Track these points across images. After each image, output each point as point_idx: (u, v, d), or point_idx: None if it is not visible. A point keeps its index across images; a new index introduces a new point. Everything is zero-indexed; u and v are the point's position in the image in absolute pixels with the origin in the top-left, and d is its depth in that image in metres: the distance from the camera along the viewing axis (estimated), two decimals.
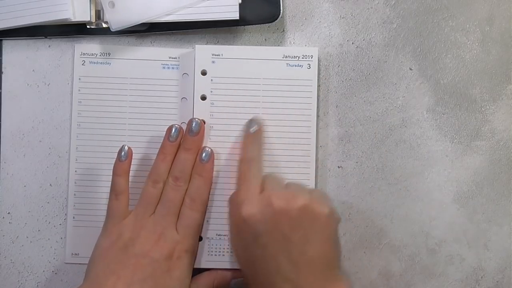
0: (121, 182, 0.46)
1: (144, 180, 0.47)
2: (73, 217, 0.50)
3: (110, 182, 0.47)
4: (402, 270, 0.51)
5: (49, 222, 0.50)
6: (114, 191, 0.46)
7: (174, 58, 0.50)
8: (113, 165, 0.47)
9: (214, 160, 0.48)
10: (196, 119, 0.47)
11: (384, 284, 0.51)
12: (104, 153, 0.49)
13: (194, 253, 0.47)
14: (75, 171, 0.50)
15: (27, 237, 0.50)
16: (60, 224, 0.50)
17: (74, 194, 0.50)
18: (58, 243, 0.50)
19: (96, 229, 0.48)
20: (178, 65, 0.50)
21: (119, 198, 0.46)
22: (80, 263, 0.50)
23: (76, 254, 0.50)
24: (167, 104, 0.50)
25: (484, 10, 0.51)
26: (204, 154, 0.47)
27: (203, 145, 0.48)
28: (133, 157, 0.49)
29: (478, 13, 0.51)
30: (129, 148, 0.47)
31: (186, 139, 0.47)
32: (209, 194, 0.48)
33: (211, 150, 0.48)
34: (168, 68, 0.50)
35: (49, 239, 0.50)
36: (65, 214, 0.50)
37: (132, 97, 0.50)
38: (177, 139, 0.47)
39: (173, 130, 0.47)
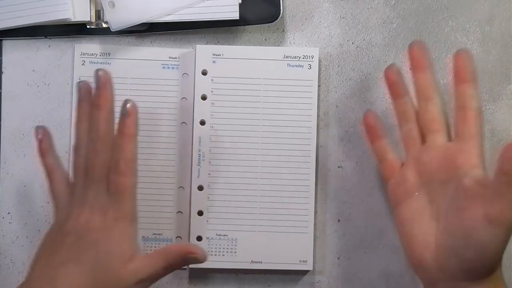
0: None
1: (143, 181, 0.47)
2: None
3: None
4: (402, 270, 0.51)
5: (49, 222, 0.50)
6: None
7: (174, 58, 0.50)
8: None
9: (137, 114, 0.43)
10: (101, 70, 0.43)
11: (384, 284, 0.51)
12: None
13: (130, 220, 0.42)
14: None
15: (27, 237, 0.50)
16: None
17: None
18: None
19: None
20: (178, 65, 0.50)
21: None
22: None
23: None
24: (167, 104, 0.50)
25: (484, 10, 0.51)
26: (123, 108, 0.42)
27: (125, 99, 0.43)
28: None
29: (478, 13, 0.51)
30: (40, 127, 0.46)
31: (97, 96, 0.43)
32: (135, 151, 0.43)
33: (133, 103, 0.43)
34: (168, 68, 0.50)
35: None
36: None
37: (132, 97, 0.49)
38: (87, 96, 0.44)
39: (81, 86, 0.44)
